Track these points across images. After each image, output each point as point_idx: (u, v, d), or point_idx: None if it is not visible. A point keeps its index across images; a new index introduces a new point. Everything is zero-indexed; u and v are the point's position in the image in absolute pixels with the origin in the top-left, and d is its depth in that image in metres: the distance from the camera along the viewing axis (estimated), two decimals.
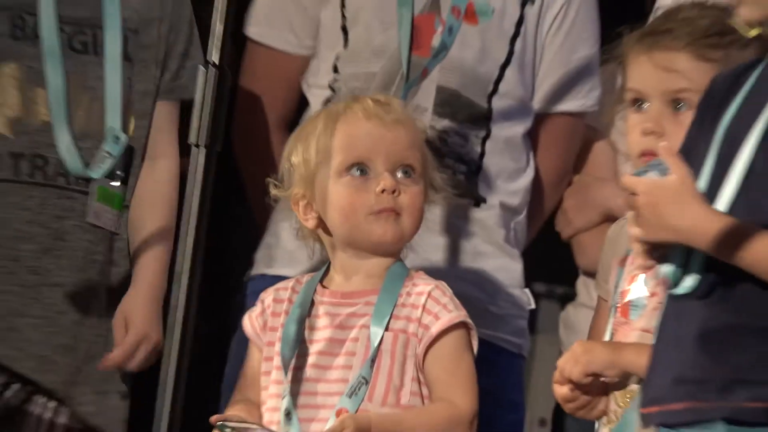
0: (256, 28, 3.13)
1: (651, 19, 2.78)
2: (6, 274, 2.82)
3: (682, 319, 2.25)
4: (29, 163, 2.82)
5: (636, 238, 2.24)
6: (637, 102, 2.52)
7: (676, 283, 2.20)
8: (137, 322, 2.84)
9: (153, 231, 2.93)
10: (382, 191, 2.54)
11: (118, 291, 2.87)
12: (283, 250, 3.01)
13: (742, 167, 2.21)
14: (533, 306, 3.10)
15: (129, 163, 2.88)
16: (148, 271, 2.90)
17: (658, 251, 2.24)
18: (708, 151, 2.23)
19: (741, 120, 2.29)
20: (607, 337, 2.54)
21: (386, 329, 2.56)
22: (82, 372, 2.82)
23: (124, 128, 2.81)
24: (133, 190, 2.90)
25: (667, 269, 2.22)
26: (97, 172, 2.78)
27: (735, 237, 2.17)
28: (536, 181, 3.18)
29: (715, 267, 2.18)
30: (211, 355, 2.98)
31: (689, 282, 2.19)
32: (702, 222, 2.18)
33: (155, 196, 2.90)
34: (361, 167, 2.57)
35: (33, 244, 2.82)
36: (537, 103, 3.16)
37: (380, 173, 2.56)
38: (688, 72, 2.52)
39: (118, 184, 2.88)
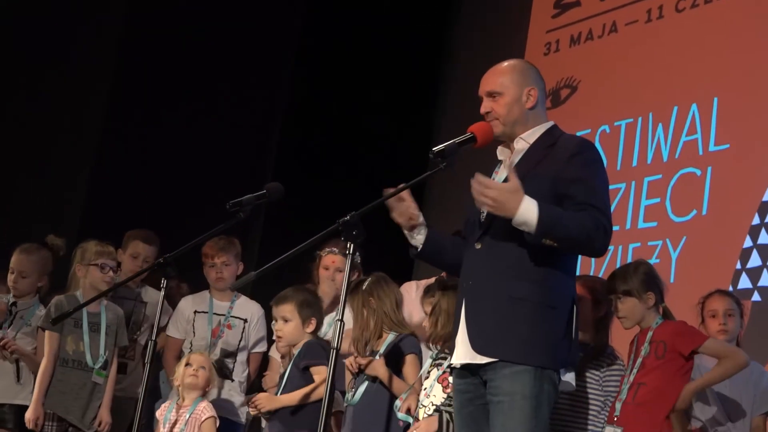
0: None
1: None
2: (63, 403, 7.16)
3: None
4: (74, 362, 7.13)
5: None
6: None
7: None
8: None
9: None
10: None
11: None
12: None
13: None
14: None
15: (106, 366, 7.24)
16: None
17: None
18: None
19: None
20: None
21: None
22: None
23: (107, 357, 7.24)
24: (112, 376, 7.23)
25: None
26: (96, 365, 7.19)
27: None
28: None
29: None
30: None
31: None
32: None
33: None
34: None
35: (74, 388, 7.16)
36: None
37: None
38: None
39: (104, 372, 7.16)
